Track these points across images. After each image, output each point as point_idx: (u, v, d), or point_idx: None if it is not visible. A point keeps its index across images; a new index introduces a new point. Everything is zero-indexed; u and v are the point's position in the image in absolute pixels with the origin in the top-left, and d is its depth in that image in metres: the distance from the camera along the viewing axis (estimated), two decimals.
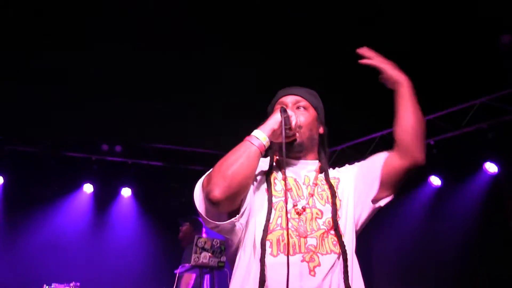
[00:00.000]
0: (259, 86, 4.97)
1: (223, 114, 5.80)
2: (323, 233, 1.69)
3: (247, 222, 1.69)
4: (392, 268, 6.64)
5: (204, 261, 4.48)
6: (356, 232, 1.79)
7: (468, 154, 5.79)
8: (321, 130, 1.92)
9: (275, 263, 1.61)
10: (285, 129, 1.69)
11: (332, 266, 1.64)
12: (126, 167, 6.88)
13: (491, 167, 5.78)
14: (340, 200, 1.78)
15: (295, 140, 1.80)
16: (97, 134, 6.59)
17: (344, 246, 1.67)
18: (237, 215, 1.65)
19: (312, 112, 1.88)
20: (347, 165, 1.96)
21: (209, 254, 4.50)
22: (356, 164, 1.92)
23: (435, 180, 6.32)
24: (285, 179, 1.76)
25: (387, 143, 5.87)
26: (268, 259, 1.62)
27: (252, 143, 1.65)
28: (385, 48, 1.99)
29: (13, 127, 6.30)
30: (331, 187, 1.79)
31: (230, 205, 1.62)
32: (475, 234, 5.76)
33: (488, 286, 5.74)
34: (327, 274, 1.62)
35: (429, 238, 6.19)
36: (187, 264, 4.50)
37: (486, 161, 5.79)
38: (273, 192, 1.74)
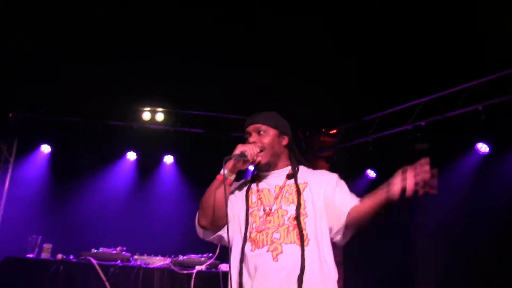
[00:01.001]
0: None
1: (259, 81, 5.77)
2: (288, 227, 2.17)
3: (231, 235, 2.24)
4: (436, 243, 6.49)
5: None
6: (331, 227, 2.21)
7: None
8: (284, 141, 2.37)
9: (251, 256, 2.16)
10: (245, 161, 2.22)
11: (293, 253, 2.11)
12: (168, 135, 6.94)
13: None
14: (305, 200, 2.22)
15: (259, 162, 2.28)
16: (139, 102, 6.66)
17: (303, 236, 2.13)
18: (221, 230, 2.26)
19: (271, 132, 2.34)
20: (324, 172, 2.36)
21: None
22: (331, 183, 2.28)
23: (482, 147, 6.12)
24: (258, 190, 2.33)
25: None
26: (248, 254, 2.17)
27: (217, 178, 2.24)
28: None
29: (58, 97, 6.44)
30: (297, 189, 2.25)
31: (217, 226, 2.25)
32: None
33: None
34: (287, 259, 2.10)
35: (477, 209, 6.02)
36: None
37: None
38: (250, 204, 2.29)
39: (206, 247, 4.59)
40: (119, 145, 6.96)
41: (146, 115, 6.69)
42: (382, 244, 6.90)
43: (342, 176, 7.08)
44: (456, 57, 5.00)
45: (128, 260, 4.11)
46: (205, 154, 6.98)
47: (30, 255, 4.45)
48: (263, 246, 2.15)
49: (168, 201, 6.86)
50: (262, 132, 2.33)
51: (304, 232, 2.15)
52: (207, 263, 4.24)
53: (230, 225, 2.20)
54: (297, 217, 2.17)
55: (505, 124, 5.38)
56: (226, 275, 4.19)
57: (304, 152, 7.50)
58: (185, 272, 4.06)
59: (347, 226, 2.19)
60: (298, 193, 2.23)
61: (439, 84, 5.72)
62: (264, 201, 2.27)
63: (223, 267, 4.41)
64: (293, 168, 2.33)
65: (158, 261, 4.10)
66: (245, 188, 2.37)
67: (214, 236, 2.29)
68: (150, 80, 5.85)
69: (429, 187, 1.90)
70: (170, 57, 5.43)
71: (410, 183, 1.92)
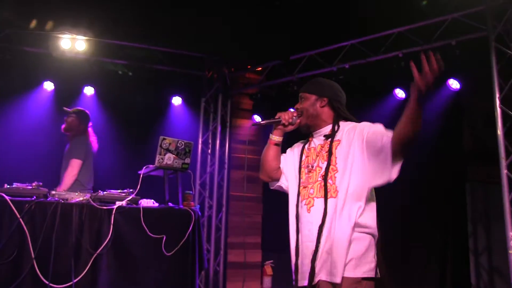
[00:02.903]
0: None
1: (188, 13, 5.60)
2: (320, 183, 2.52)
3: (288, 187, 2.77)
4: None
5: (168, 162, 4.49)
6: (363, 180, 2.43)
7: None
8: (323, 103, 2.69)
9: (299, 208, 2.61)
10: (286, 125, 2.71)
11: (320, 206, 2.47)
12: (89, 65, 6.64)
13: (454, 84, 6.04)
14: (336, 157, 2.51)
15: (300, 124, 2.72)
16: (58, 29, 6.25)
17: (327, 191, 2.46)
18: (280, 181, 2.84)
19: (310, 97, 2.71)
20: (358, 125, 2.55)
21: (174, 155, 4.49)
22: (365, 129, 2.48)
23: (399, 93, 6.44)
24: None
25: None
26: (299, 206, 2.62)
27: (269, 142, 2.80)
28: None
29: None
30: (329, 148, 2.54)
31: (273, 179, 2.84)
32: (432, 152, 5.94)
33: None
34: (316, 212, 2.48)
35: None
36: (151, 165, 4.50)
37: (450, 77, 5.99)
38: (301, 162, 2.71)
39: (127, 182, 4.56)
40: (35, 74, 6.59)
41: (66, 43, 6.29)
42: None
43: (265, 114, 7.19)
44: (385, 4, 5.07)
45: (45, 196, 3.99)
46: (128, 87, 6.80)
47: None
48: (303, 199, 2.58)
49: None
50: (302, 99, 2.75)
51: (331, 186, 2.47)
52: (128, 198, 4.21)
53: (289, 178, 2.76)
54: (325, 174, 2.50)
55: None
56: (146, 210, 4.22)
57: (228, 88, 7.48)
58: (105, 207, 4.02)
59: (395, 153, 2.33)
60: (330, 151, 2.54)
61: (366, 29, 5.83)
62: (309, 159, 2.68)
63: (144, 202, 4.41)
64: (332, 128, 2.62)
65: (76, 197, 4.02)
66: (301, 147, 2.79)
67: (276, 186, 2.86)
68: (70, 6, 5.48)
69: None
70: None
71: (425, 78, 2.10)
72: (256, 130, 7.71)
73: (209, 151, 7.41)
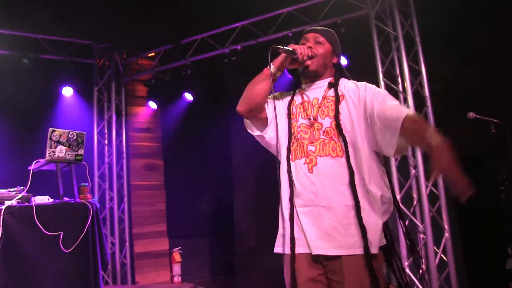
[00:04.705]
0: None
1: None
2: (323, 140, 2.26)
3: (276, 140, 2.38)
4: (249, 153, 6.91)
5: (60, 155, 4.28)
6: (369, 144, 2.24)
7: None
8: (334, 60, 2.46)
9: (293, 165, 2.31)
10: (294, 59, 2.34)
11: (327, 165, 2.21)
12: None
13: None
14: (340, 113, 2.27)
15: (308, 67, 2.39)
16: None
17: (337, 149, 2.22)
18: (266, 131, 2.42)
19: (327, 45, 2.44)
20: (365, 83, 2.36)
21: (65, 147, 4.29)
22: (374, 93, 2.28)
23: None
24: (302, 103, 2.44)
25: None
26: (291, 164, 2.31)
27: (264, 72, 2.38)
28: None
29: None
30: (336, 101, 2.30)
31: (253, 116, 2.42)
32: None
33: None
34: (321, 172, 2.21)
35: None
36: (41, 160, 4.26)
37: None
38: (291, 115, 2.40)
39: (17, 180, 4.29)
40: None
41: None
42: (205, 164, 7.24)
43: (161, 100, 7.08)
44: None
45: None
46: (12, 79, 6.35)
47: None
48: (301, 157, 2.29)
49: None
50: (319, 42, 2.44)
51: (336, 144, 2.24)
52: (17, 196, 3.96)
53: (277, 130, 2.37)
54: (337, 127, 2.25)
55: None
56: (40, 208, 4.00)
57: (121, 76, 7.28)
58: None
59: (401, 135, 2.15)
60: (336, 105, 2.29)
61: (256, 10, 5.90)
62: (303, 113, 2.39)
63: (38, 199, 4.18)
64: (335, 83, 2.38)
65: None
66: (288, 99, 2.49)
67: (257, 135, 2.45)
68: None
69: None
70: None
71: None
72: (152, 117, 7.58)
73: (106, 141, 7.16)
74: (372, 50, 5.18)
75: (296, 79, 2.56)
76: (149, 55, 7.29)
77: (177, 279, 7.00)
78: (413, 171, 4.92)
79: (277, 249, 2.31)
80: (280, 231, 2.31)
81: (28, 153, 4.86)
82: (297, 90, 2.51)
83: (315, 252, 2.17)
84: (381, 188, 2.22)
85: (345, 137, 2.22)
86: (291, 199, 2.25)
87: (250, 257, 6.59)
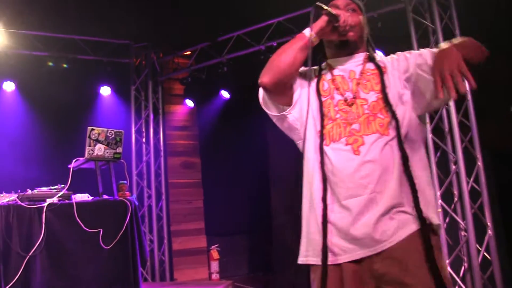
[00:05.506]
0: None
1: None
2: (368, 117, 1.89)
3: (301, 123, 1.98)
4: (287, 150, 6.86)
5: (99, 153, 4.33)
6: (417, 114, 1.92)
7: None
8: (366, 31, 2.11)
9: (328, 150, 1.89)
10: (335, 27, 1.94)
11: (377, 143, 1.84)
12: (7, 58, 6.26)
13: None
14: (387, 87, 1.93)
15: (348, 37, 1.99)
16: None
17: (386, 124, 1.86)
18: (290, 111, 2.00)
19: (360, 16, 2.07)
20: (397, 54, 2.05)
21: (104, 146, 4.34)
22: (411, 57, 1.96)
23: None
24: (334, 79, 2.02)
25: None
26: (325, 149, 1.90)
27: (299, 38, 1.96)
28: None
29: None
30: (380, 73, 1.96)
31: (278, 92, 1.99)
32: None
33: None
34: (370, 151, 1.83)
35: None
36: (81, 158, 4.33)
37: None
38: (322, 93, 2.00)
39: (58, 178, 4.38)
40: None
41: None
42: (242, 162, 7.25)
43: (197, 98, 7.08)
44: None
45: None
46: (52, 79, 6.48)
47: None
48: (339, 138, 1.89)
49: (10, 134, 6.30)
50: (353, 9, 2.06)
51: (382, 121, 1.88)
52: (58, 194, 4.04)
53: (298, 111, 1.99)
54: (385, 101, 1.89)
55: None
56: (80, 205, 4.06)
57: (158, 75, 7.35)
58: (34, 206, 3.84)
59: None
60: (381, 78, 1.95)
61: (291, 6, 5.84)
62: (339, 89, 1.99)
63: (78, 197, 4.26)
64: (369, 54, 2.06)
65: (1, 198, 3.81)
66: (312, 74, 2.09)
67: (278, 116, 2.03)
68: None
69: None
70: None
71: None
72: (188, 115, 7.61)
73: (143, 139, 7.23)
74: (410, 44, 5.03)
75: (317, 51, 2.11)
76: (185, 53, 7.33)
77: (215, 276, 7.02)
78: (453, 167, 4.77)
79: (311, 260, 1.93)
80: (314, 238, 1.90)
81: (68, 151, 4.95)
82: (322, 64, 2.12)
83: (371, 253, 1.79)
84: (428, 173, 1.93)
85: (394, 112, 1.87)
86: (324, 198, 1.85)
87: (287, 254, 6.54)
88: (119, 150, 4.43)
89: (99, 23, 6.10)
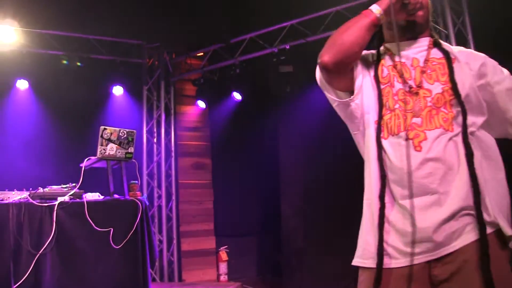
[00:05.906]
0: None
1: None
2: (430, 111, 1.72)
3: (362, 112, 1.81)
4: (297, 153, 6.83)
5: (111, 153, 4.35)
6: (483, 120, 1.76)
7: None
8: (430, 15, 1.91)
9: (386, 144, 1.74)
10: (404, 5, 1.75)
11: (441, 139, 1.68)
12: (21, 57, 6.30)
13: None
14: (456, 75, 1.75)
15: (415, 20, 1.81)
16: None
17: (452, 120, 1.70)
18: (353, 98, 1.81)
19: None
20: (472, 52, 1.89)
21: (116, 145, 4.35)
22: (490, 69, 1.81)
23: None
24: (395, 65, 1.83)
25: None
26: (383, 142, 1.75)
27: (365, 15, 1.78)
28: None
29: None
30: (448, 64, 1.78)
31: (339, 73, 1.79)
32: None
33: None
34: (434, 147, 1.67)
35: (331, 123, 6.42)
36: (93, 157, 4.35)
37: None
38: (381, 80, 1.82)
39: (69, 177, 4.40)
40: None
41: None
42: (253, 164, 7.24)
43: (209, 99, 7.04)
44: None
45: None
46: (65, 78, 6.51)
47: None
48: (398, 132, 1.73)
49: (25, 130, 6.35)
50: None
51: (446, 115, 1.71)
52: (70, 193, 4.05)
53: (360, 99, 1.81)
54: (455, 93, 1.72)
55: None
56: (91, 204, 4.07)
57: (170, 75, 7.36)
58: (45, 204, 3.85)
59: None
60: (450, 68, 1.76)
61: (304, 9, 5.83)
62: (401, 77, 1.80)
63: (89, 196, 4.27)
64: (434, 41, 1.86)
65: (13, 196, 3.83)
66: (370, 59, 1.90)
67: (340, 102, 1.84)
68: None
69: None
70: None
71: None
72: (200, 116, 7.62)
73: (155, 140, 7.26)
74: None
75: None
76: (198, 54, 7.34)
77: (223, 277, 7.01)
78: None
79: (363, 262, 1.77)
80: (368, 238, 1.75)
81: (80, 150, 4.97)
82: (381, 49, 1.94)
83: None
84: (501, 174, 1.77)
85: (464, 106, 1.70)
86: (382, 196, 1.71)
87: (297, 257, 6.52)
88: (131, 150, 4.44)
89: (113, 24, 6.13)
